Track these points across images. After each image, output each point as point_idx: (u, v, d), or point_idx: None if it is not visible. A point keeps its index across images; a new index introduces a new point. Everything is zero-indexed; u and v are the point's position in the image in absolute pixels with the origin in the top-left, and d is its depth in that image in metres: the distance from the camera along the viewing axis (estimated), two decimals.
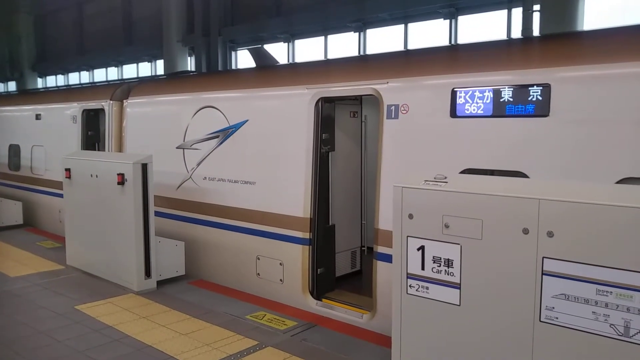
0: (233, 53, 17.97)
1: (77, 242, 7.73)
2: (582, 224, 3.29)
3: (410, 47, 13.48)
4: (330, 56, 15.30)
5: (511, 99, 4.78)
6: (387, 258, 5.18)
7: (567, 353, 3.39)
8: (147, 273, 6.77)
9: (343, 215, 7.09)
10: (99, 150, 10.04)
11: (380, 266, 5.59)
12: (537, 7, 10.18)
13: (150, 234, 6.76)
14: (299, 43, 16.26)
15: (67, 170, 7.68)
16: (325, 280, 6.57)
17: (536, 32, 10.12)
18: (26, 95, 15.86)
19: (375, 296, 5.68)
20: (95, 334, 5.35)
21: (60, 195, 8.35)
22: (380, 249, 5.60)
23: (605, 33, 5.06)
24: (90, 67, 24.88)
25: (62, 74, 26.89)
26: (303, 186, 6.36)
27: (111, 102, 9.40)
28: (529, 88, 4.67)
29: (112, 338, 5.25)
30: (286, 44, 16.32)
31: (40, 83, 28.06)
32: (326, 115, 6.47)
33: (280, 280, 6.63)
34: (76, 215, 7.72)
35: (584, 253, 3.28)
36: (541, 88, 4.60)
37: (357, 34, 14.57)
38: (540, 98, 4.61)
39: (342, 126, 7.01)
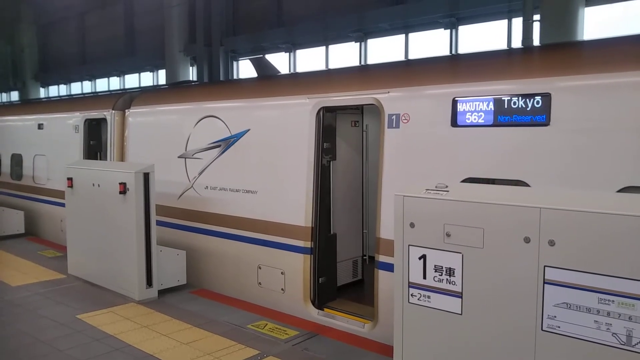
0: (235, 63, 18.07)
1: (79, 251, 7.73)
2: (584, 233, 3.29)
3: (411, 57, 13.54)
4: (332, 66, 15.38)
5: (512, 108, 4.79)
6: (389, 267, 5.18)
7: None
8: (149, 282, 6.77)
9: (344, 224, 7.09)
10: (101, 159, 10.07)
11: (381, 275, 5.59)
12: (537, 17, 10.24)
13: (152, 243, 6.77)
14: (300, 53, 16.35)
15: (69, 179, 7.70)
16: (326, 290, 6.56)
17: (536, 41, 10.16)
18: (29, 104, 15.92)
19: (377, 305, 5.67)
20: (96, 343, 5.34)
21: (62, 205, 8.37)
22: (382, 258, 5.59)
23: (605, 43, 5.09)
24: (92, 77, 25.00)
25: (65, 83, 27.03)
26: (304, 195, 6.37)
27: (113, 111, 9.44)
28: (530, 97, 4.69)
29: (113, 347, 5.24)
30: (287, 53, 16.41)
31: (42, 93, 28.21)
32: (327, 124, 6.49)
33: (282, 289, 6.62)
34: (78, 224, 7.73)
35: (585, 262, 3.28)
36: (541, 97, 4.62)
37: (358, 43, 14.64)
38: (540, 107, 4.63)
39: (344, 135, 7.03)
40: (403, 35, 13.79)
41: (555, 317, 3.41)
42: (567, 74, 4.61)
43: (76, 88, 26.30)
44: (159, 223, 7.18)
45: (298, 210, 6.42)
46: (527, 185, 4.63)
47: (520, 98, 4.74)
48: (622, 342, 3.16)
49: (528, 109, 4.71)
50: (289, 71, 15.88)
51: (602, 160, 4.32)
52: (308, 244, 6.36)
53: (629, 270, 3.13)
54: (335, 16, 14.50)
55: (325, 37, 15.25)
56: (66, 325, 5.83)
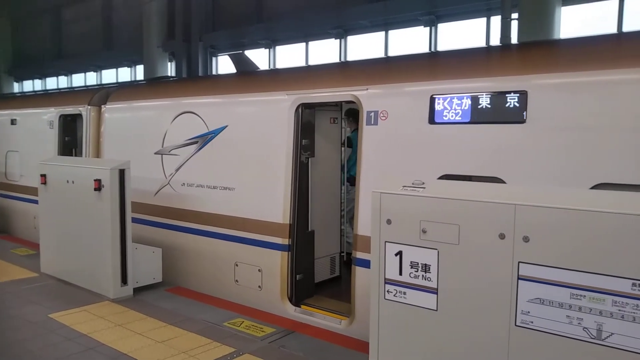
0: (214, 59, 17.92)
1: (52, 249, 7.59)
2: (557, 229, 3.32)
3: (391, 54, 13.58)
4: (311, 62, 15.34)
5: (488, 106, 4.82)
6: (366, 264, 5.17)
7: (541, 357, 3.41)
8: (124, 280, 6.67)
9: (322, 221, 7.07)
10: (76, 156, 9.90)
11: (359, 272, 5.59)
12: (515, 15, 10.34)
13: (127, 240, 6.67)
14: (280, 49, 16.28)
15: (43, 176, 7.55)
16: (304, 287, 6.54)
17: (514, 40, 10.26)
18: (2, 100, 15.58)
19: (354, 302, 5.67)
20: (69, 343, 5.24)
21: (36, 202, 8.20)
22: (359, 255, 5.59)
23: (581, 42, 5.15)
24: (68, 72, 24.58)
25: (40, 78, 26.52)
26: (282, 192, 6.34)
27: (89, 107, 9.29)
28: (506, 95, 4.72)
29: (86, 347, 5.15)
30: (267, 50, 16.33)
31: (16, 87, 27.64)
32: (306, 121, 6.46)
33: (259, 286, 6.58)
34: (51, 221, 7.58)
35: (558, 257, 3.31)
36: (518, 95, 4.65)
37: (337, 40, 14.63)
38: (517, 105, 4.66)
39: (322, 132, 7.01)
40: (383, 33, 13.82)
41: (528, 312, 3.44)
42: (543, 71, 4.65)
43: (52, 83, 25.83)
44: (134, 220, 7.08)
45: (276, 207, 6.39)
46: (503, 182, 4.66)
47: (497, 95, 4.77)
48: (593, 336, 3.20)
49: (504, 106, 4.74)
50: (269, 67, 15.81)
51: (576, 158, 4.37)
52: (286, 241, 6.32)
53: (600, 265, 3.16)
54: (316, 13, 14.46)
55: (305, 34, 15.21)
56: (38, 325, 5.71)
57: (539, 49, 5.34)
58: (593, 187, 4.21)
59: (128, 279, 6.70)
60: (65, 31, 24.23)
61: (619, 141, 4.18)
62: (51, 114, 10.16)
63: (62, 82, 25.13)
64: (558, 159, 4.46)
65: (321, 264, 7.09)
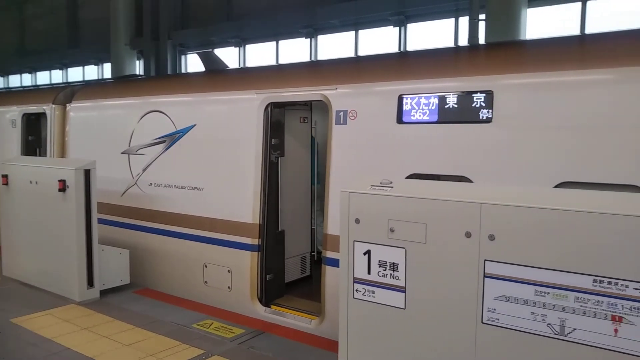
0: (182, 57, 17.71)
1: (15, 251, 7.38)
2: (521, 227, 3.37)
3: (361, 53, 13.64)
4: (282, 62, 15.30)
5: (455, 106, 4.87)
6: (336, 263, 5.17)
7: (507, 353, 3.46)
8: (90, 282, 6.53)
9: (293, 221, 7.05)
10: (40, 156, 9.65)
11: (328, 271, 5.59)
12: (482, 16, 10.49)
13: (93, 242, 6.53)
14: (250, 48, 16.18)
15: (5, 176, 7.34)
16: (274, 287, 6.51)
17: (482, 40, 10.41)
18: None
19: (324, 301, 5.67)
20: (32, 348, 5.10)
21: None
22: (329, 254, 5.59)
23: (546, 43, 5.25)
24: (32, 70, 23.95)
25: (2, 76, 25.79)
26: (252, 192, 6.30)
27: (53, 106, 9.07)
28: (473, 95, 4.78)
29: (50, 352, 5.02)
30: (237, 48, 16.21)
31: None
32: (276, 120, 6.43)
33: (229, 287, 6.52)
34: (14, 223, 7.37)
35: (523, 255, 3.37)
36: (484, 95, 4.72)
37: (308, 39, 14.63)
38: (483, 104, 4.73)
39: (292, 131, 6.99)
40: (353, 32, 13.88)
41: (494, 309, 3.49)
42: (508, 72, 4.72)
43: (15, 81, 25.15)
44: (101, 221, 6.94)
45: (245, 207, 6.34)
46: (469, 181, 4.72)
47: (463, 95, 4.82)
48: (556, 332, 3.27)
49: (471, 106, 4.79)
50: (239, 66, 15.70)
51: (541, 157, 4.45)
52: (255, 241, 6.29)
53: (563, 263, 3.23)
54: (286, 12, 14.42)
55: (276, 33, 15.16)
56: None
57: (505, 49, 5.42)
58: (557, 186, 4.30)
59: (94, 281, 6.56)
60: (29, 27, 23.60)
61: (582, 140, 4.28)
62: (14, 112, 9.88)
63: (26, 79, 24.50)
64: (523, 158, 4.54)
65: (291, 263, 7.08)
